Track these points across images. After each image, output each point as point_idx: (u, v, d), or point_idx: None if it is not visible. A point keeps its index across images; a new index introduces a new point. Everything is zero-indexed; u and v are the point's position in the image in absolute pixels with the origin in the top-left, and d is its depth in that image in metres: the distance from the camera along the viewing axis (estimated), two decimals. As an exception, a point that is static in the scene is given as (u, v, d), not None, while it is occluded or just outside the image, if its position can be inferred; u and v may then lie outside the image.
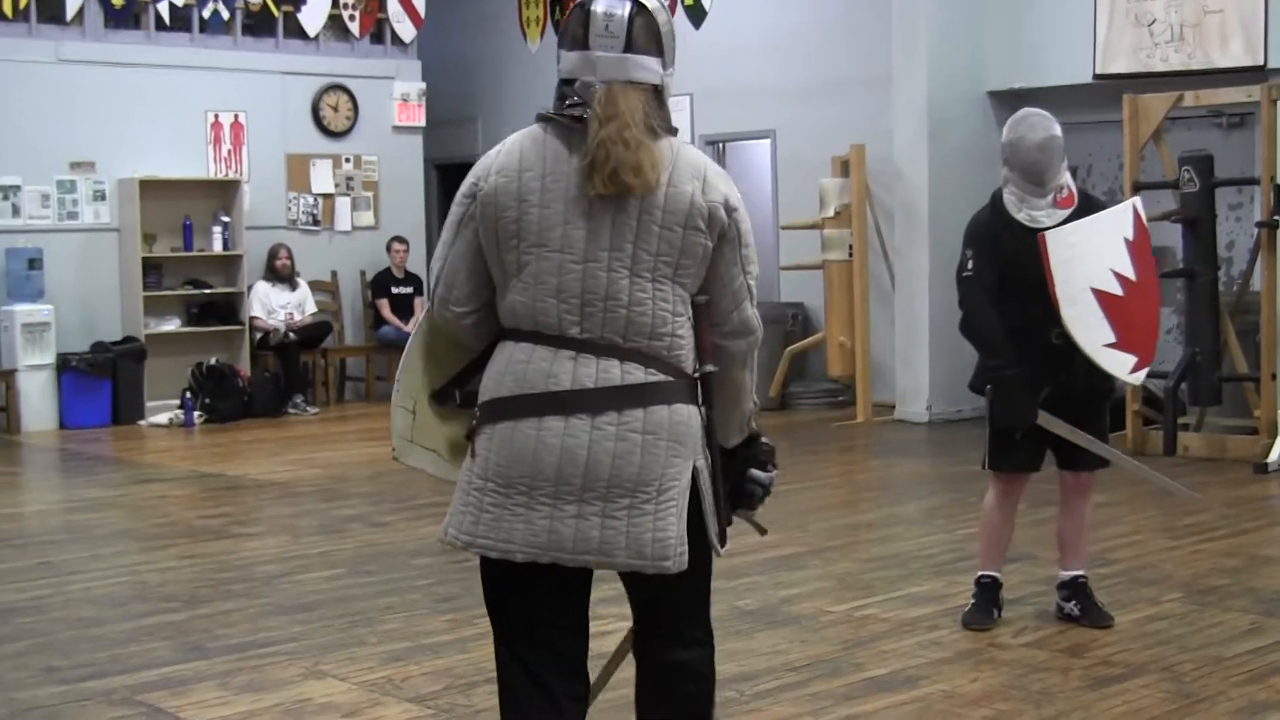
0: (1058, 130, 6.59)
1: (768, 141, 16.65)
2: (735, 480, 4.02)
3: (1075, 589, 6.96)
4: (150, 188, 15.74)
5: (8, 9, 15.26)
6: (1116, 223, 6.79)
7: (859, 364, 14.46)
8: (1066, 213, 6.60)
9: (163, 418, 15.33)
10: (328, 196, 17.43)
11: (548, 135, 3.77)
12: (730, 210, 3.75)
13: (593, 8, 3.75)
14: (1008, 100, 14.35)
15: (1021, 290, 6.56)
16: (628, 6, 3.74)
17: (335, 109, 17.45)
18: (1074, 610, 6.94)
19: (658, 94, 3.77)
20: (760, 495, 4.07)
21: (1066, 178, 6.68)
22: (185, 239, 16.18)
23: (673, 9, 16.36)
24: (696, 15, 16.34)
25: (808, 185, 15.11)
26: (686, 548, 3.76)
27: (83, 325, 15.57)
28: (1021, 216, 6.59)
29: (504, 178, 3.75)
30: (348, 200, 17.58)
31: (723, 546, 3.93)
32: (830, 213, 14.51)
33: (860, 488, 11.48)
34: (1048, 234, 6.53)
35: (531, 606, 3.92)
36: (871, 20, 14.93)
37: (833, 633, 6.84)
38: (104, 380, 15.31)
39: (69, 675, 6.45)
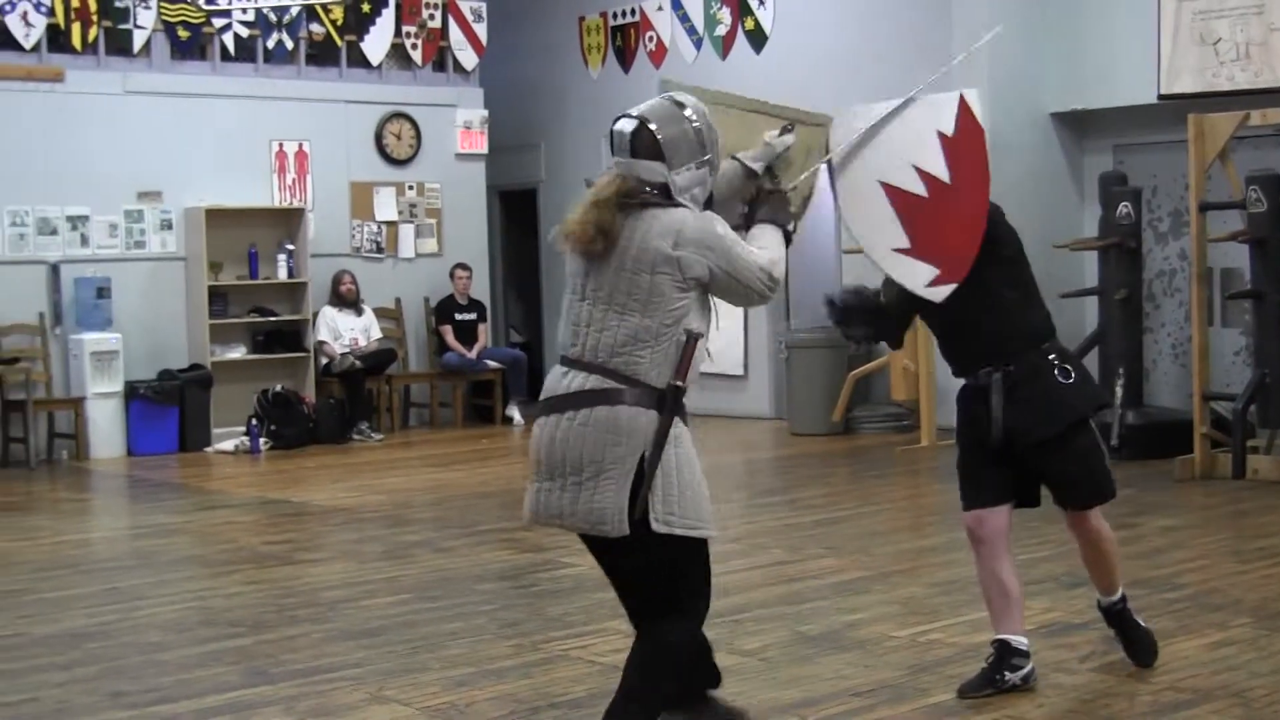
0: None
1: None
2: None
3: (1113, 615, 6.54)
4: (216, 217, 15.85)
5: (76, 42, 15.42)
6: (930, 114, 5.93)
7: (923, 387, 14.41)
8: None
9: (229, 444, 15.42)
10: (391, 224, 17.49)
11: None
12: (705, 250, 4.80)
13: (613, 128, 4.95)
14: (1070, 122, 14.31)
15: (935, 328, 6.43)
16: (633, 124, 4.92)
17: (398, 137, 17.53)
18: (1117, 640, 6.58)
19: (664, 187, 4.86)
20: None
21: None
22: (251, 267, 16.28)
23: (733, 35, 16.44)
24: (757, 40, 16.40)
25: (870, 209, 15.05)
26: (624, 519, 4.71)
27: (150, 353, 15.69)
28: None
29: None
30: (411, 227, 17.63)
31: (658, 521, 4.72)
32: (893, 236, 14.45)
33: (925, 512, 11.43)
34: (834, 119, 5.94)
35: (601, 564, 5.09)
36: (932, 43, 14.87)
37: (897, 658, 6.81)
38: (171, 408, 15.40)
39: (137, 700, 6.49)
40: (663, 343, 4.77)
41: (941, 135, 5.88)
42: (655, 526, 4.71)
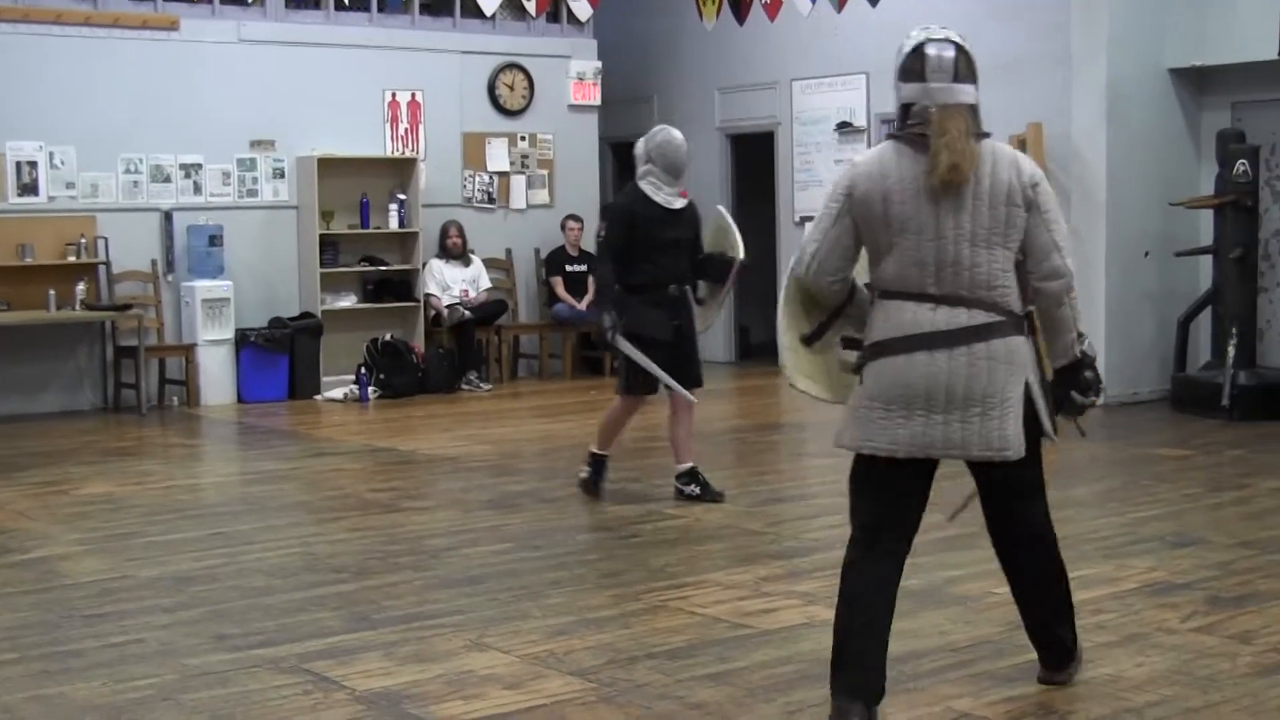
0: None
1: (943, 120, 16.46)
2: (1059, 396, 5.38)
3: (692, 475, 9.47)
4: (328, 166, 15.95)
5: (191, -11, 15.56)
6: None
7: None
8: (685, 201, 9.34)
9: (338, 393, 15.55)
10: (503, 175, 17.56)
11: (900, 147, 5.09)
12: (1034, 186, 5.10)
13: (926, 50, 5.11)
14: (1190, 78, 14.11)
15: (652, 253, 9.16)
16: (952, 49, 5.11)
17: (511, 88, 17.56)
18: (694, 491, 9.43)
19: (973, 110, 5.11)
20: (1076, 409, 5.43)
21: None
22: (362, 216, 16.38)
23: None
24: (872, -7, 16.19)
25: (983, 164, 14.93)
26: (1024, 441, 5.13)
27: (261, 301, 15.84)
28: (659, 199, 9.26)
29: (871, 183, 5.09)
30: (523, 178, 17.69)
31: (1056, 434, 5.32)
32: (1006, 192, 14.33)
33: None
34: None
35: (891, 489, 5.26)
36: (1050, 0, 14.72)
37: (998, 614, 6.76)
38: (281, 355, 15.55)
39: (240, 643, 6.56)
40: (1016, 273, 5.13)
41: None
42: (1052, 438, 5.30)
